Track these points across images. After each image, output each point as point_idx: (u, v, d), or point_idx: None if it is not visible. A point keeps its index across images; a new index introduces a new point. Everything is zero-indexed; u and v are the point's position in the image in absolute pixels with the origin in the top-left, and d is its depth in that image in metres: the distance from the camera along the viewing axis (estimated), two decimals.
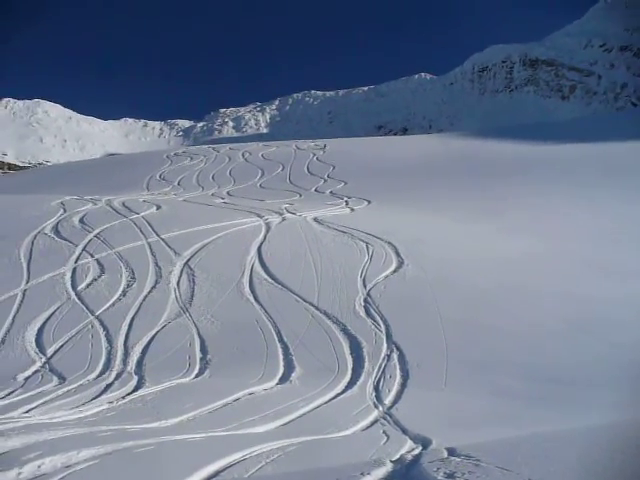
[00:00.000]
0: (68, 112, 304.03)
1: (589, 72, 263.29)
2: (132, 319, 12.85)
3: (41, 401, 9.04)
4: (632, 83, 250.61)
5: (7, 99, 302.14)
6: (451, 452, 5.84)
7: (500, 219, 21.63)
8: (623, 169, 30.48)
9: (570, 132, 48.90)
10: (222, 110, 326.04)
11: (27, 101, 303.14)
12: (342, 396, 9.61)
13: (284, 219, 20.38)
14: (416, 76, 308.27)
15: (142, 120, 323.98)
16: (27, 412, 8.58)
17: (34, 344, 11.81)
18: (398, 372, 10.46)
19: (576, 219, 21.57)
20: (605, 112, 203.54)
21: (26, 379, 10.31)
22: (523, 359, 11.02)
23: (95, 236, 18.12)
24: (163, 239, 17.81)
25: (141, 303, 13.64)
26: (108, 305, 13.54)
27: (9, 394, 9.42)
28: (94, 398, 9.29)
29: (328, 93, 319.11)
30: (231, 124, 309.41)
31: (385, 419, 8.76)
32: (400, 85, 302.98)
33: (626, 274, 15.48)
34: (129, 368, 10.80)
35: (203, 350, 11.50)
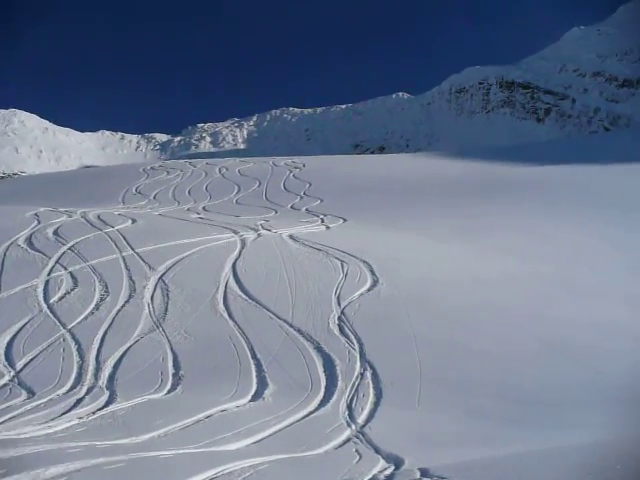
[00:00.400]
0: (45, 123, 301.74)
1: (564, 96, 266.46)
2: (105, 333, 12.72)
3: (9, 416, 8.90)
4: (604, 108, 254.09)
5: None
6: (424, 473, 5.84)
7: (477, 239, 21.73)
8: (599, 191, 30.83)
9: (546, 154, 49.43)
10: (200, 125, 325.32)
11: (3, 110, 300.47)
12: (315, 414, 9.57)
13: (259, 235, 20.34)
14: (394, 95, 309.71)
15: (119, 133, 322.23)
16: None
17: (3, 357, 11.64)
18: (371, 391, 10.44)
19: (554, 240, 21.72)
20: (579, 135, 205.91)
21: None
22: (497, 379, 11.05)
23: (69, 249, 17.96)
24: (138, 253, 17.69)
25: (114, 317, 13.51)
26: (81, 318, 13.40)
27: None
28: (64, 413, 9.17)
29: (306, 110, 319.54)
30: (208, 139, 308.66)
31: (358, 438, 8.73)
32: (378, 104, 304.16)
33: (601, 296, 15.61)
34: (100, 383, 10.67)
35: (176, 366, 11.41)
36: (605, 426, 8.59)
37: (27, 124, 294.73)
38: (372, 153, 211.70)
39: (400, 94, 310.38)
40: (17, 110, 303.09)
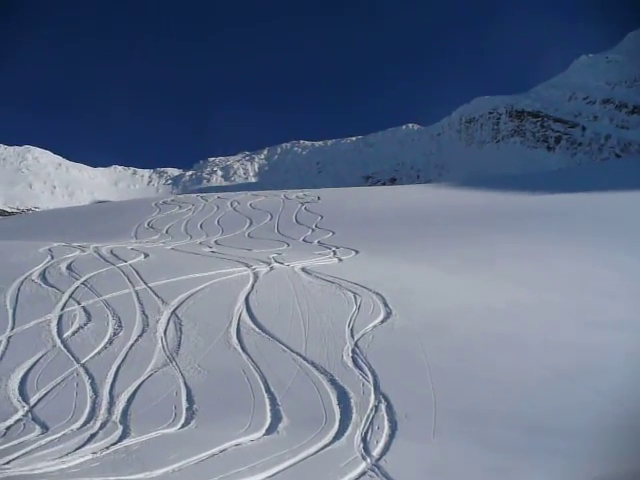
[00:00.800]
0: (58, 158, 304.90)
1: (574, 124, 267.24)
2: (118, 368, 12.72)
3: (22, 451, 8.89)
4: (615, 135, 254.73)
5: None
6: None
7: (488, 268, 21.67)
8: (611, 219, 30.75)
9: (556, 182, 49.50)
10: (211, 159, 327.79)
11: (17, 147, 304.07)
12: (330, 447, 9.50)
13: (272, 269, 20.35)
14: (404, 127, 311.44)
15: (131, 168, 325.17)
16: (7, 463, 8.45)
17: (17, 392, 11.65)
18: (386, 423, 10.36)
19: (563, 268, 21.63)
20: (590, 163, 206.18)
21: (7, 428, 10.14)
22: (510, 408, 10.97)
23: (82, 283, 18.03)
24: (150, 287, 17.74)
25: (127, 352, 13.52)
26: (94, 353, 13.41)
27: None
28: (78, 448, 9.15)
29: (317, 143, 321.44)
30: (220, 173, 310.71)
31: (373, 471, 8.66)
32: (388, 135, 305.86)
33: (611, 324, 15.48)
34: (114, 417, 10.65)
35: (189, 400, 11.38)
36: (620, 457, 8.52)
37: (41, 160, 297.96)
38: (383, 185, 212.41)
39: (410, 125, 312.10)
40: (31, 146, 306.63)
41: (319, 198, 45.27)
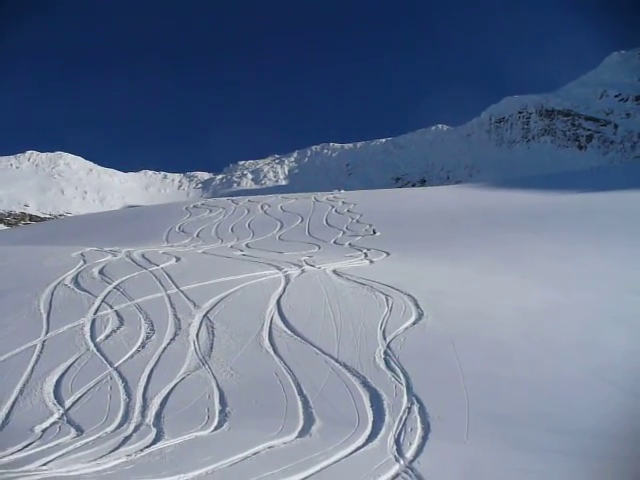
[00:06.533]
0: (89, 164, 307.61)
1: (605, 122, 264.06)
2: (151, 371, 12.78)
3: (58, 453, 8.97)
4: None
5: (30, 152, 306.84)
6: None
7: (520, 269, 21.53)
8: None
9: (588, 182, 48.99)
10: (241, 162, 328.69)
11: (49, 153, 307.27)
12: (363, 449, 9.46)
13: (303, 271, 20.34)
14: (433, 127, 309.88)
15: (161, 172, 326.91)
16: (44, 465, 8.53)
17: (52, 395, 11.76)
18: (419, 425, 10.30)
19: (593, 267, 21.44)
20: (623, 161, 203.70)
21: (43, 431, 10.24)
22: (545, 410, 10.85)
23: (114, 287, 18.16)
24: (182, 291, 17.81)
25: (160, 355, 13.58)
26: (127, 357, 13.49)
27: (26, 446, 9.36)
28: (112, 451, 9.21)
29: (346, 145, 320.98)
30: (250, 176, 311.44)
31: (407, 473, 8.60)
32: (418, 137, 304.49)
33: None
34: (148, 420, 10.70)
35: (222, 403, 11.40)
36: None
37: (72, 166, 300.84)
38: (413, 186, 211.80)
39: (440, 126, 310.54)
40: (63, 153, 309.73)
41: (354, 205, 45.12)
